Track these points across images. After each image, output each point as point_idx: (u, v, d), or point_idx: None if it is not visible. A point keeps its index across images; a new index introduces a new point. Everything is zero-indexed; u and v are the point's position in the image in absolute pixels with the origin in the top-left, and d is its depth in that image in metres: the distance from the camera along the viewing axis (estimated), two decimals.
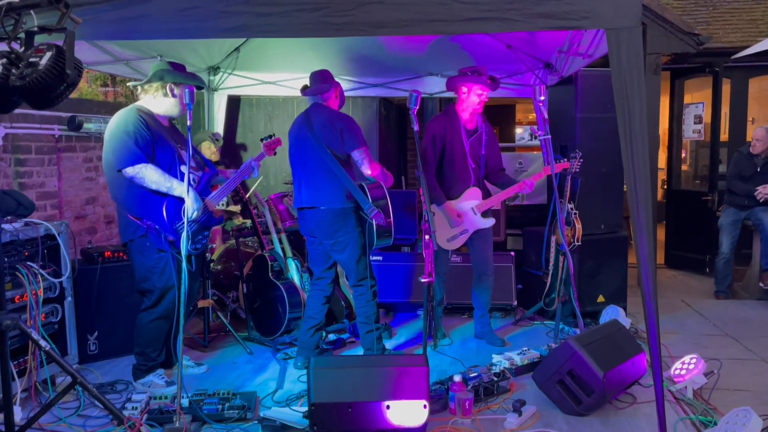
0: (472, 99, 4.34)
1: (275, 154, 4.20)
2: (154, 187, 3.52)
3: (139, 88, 3.76)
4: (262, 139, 4.16)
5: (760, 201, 5.86)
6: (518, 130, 13.31)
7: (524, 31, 4.35)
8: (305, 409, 3.22)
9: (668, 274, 7.17)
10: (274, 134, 4.20)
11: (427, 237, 3.41)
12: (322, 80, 4.04)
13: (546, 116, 4.00)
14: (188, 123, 3.29)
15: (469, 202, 4.43)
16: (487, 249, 4.58)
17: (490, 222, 4.49)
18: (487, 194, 4.53)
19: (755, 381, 3.91)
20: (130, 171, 3.49)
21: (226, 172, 4.06)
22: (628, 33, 2.70)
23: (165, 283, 3.62)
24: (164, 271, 3.61)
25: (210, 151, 5.68)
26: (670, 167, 7.83)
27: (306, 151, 3.97)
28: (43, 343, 2.86)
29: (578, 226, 4.55)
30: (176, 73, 3.71)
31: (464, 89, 4.36)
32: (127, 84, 4.80)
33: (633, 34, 2.69)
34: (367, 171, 3.93)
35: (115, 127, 3.58)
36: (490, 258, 4.60)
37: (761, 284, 5.91)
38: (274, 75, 6.22)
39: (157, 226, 3.55)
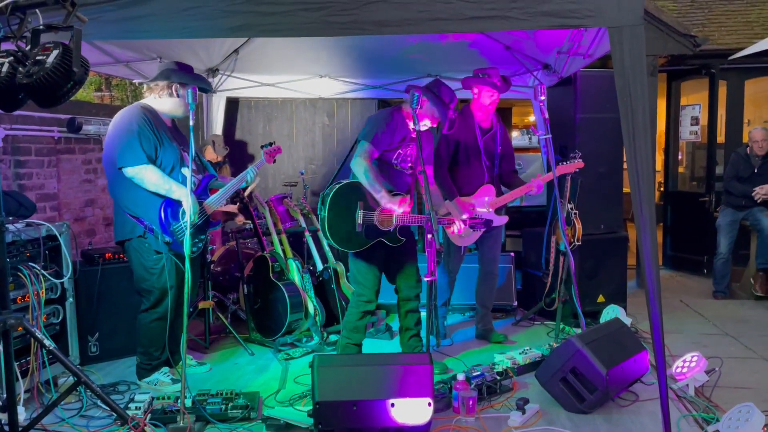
0: (483, 100, 4.40)
1: (274, 162, 4.17)
2: (152, 188, 3.52)
3: (145, 86, 3.79)
4: (262, 146, 4.10)
5: (758, 201, 5.90)
6: (515, 134, 13.35)
7: (527, 30, 4.38)
8: (308, 408, 3.22)
9: (666, 275, 7.19)
10: (274, 142, 4.15)
11: (429, 236, 3.41)
12: None
13: (546, 116, 4.01)
14: (190, 123, 3.26)
15: (483, 198, 4.45)
16: (497, 248, 4.64)
17: (503, 219, 4.50)
18: (500, 192, 4.54)
19: (756, 379, 3.93)
20: (130, 171, 3.49)
21: (226, 178, 4.06)
22: (631, 31, 2.71)
23: (164, 283, 3.62)
24: (163, 272, 3.60)
25: (212, 155, 5.69)
26: (667, 169, 7.86)
27: None
28: (47, 342, 2.85)
29: (578, 225, 4.57)
30: (182, 73, 3.72)
31: (475, 90, 4.42)
32: (134, 82, 4.81)
33: (635, 32, 2.71)
34: None
35: (119, 124, 3.56)
36: (497, 257, 4.66)
37: (752, 282, 5.93)
38: (272, 77, 6.23)
39: (154, 227, 3.55)
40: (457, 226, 3.87)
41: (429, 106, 3.84)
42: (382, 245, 3.80)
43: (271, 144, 4.11)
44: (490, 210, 4.43)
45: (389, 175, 3.86)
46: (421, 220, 3.68)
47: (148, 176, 3.49)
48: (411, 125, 3.79)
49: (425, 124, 3.89)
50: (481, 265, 4.67)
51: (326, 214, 3.68)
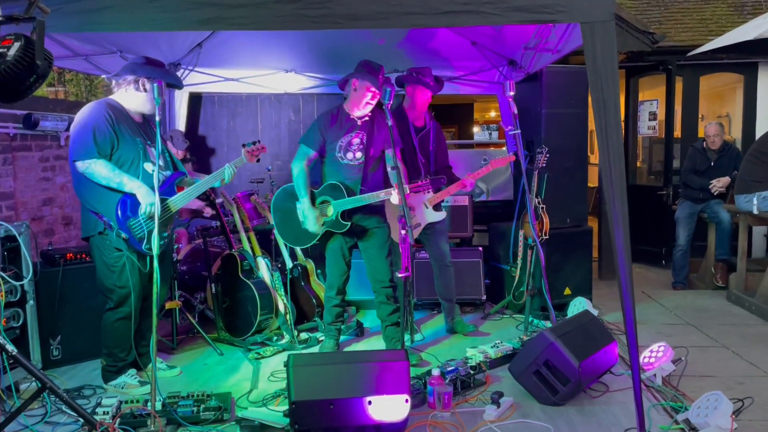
0: (416, 99, 4.49)
1: (258, 161, 3.91)
2: (104, 182, 3.44)
3: (113, 81, 3.69)
4: (244, 145, 3.83)
5: (715, 194, 6.08)
6: (476, 129, 13.46)
7: (499, 25, 4.41)
8: (282, 408, 3.18)
9: None
10: (259, 141, 3.88)
11: (403, 231, 3.41)
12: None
13: (515, 111, 4.05)
14: (157, 118, 3.21)
15: (422, 195, 4.50)
16: (443, 241, 4.68)
17: (441, 215, 4.58)
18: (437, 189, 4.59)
19: (719, 367, 4.04)
20: (80, 165, 3.44)
21: (200, 176, 3.95)
22: (603, 26, 2.74)
23: (125, 282, 3.54)
24: (123, 271, 3.52)
25: (173, 151, 5.55)
26: (626, 163, 7.97)
27: None
28: (9, 347, 2.74)
29: (546, 220, 4.63)
30: (149, 68, 3.62)
31: (409, 90, 4.52)
32: (102, 77, 4.69)
33: (607, 27, 2.74)
34: None
35: (78, 119, 3.51)
36: (447, 251, 4.70)
37: (714, 273, 6.11)
38: (237, 72, 6.11)
39: (111, 222, 3.47)
40: (395, 197, 3.83)
41: (361, 83, 3.95)
42: (338, 237, 4.04)
43: (255, 143, 3.83)
44: (429, 206, 4.53)
45: (337, 168, 4.02)
46: (359, 200, 3.91)
47: (98, 170, 3.42)
48: (354, 114, 3.99)
49: (370, 103, 3.97)
50: (433, 262, 4.73)
51: (273, 218, 4.20)
